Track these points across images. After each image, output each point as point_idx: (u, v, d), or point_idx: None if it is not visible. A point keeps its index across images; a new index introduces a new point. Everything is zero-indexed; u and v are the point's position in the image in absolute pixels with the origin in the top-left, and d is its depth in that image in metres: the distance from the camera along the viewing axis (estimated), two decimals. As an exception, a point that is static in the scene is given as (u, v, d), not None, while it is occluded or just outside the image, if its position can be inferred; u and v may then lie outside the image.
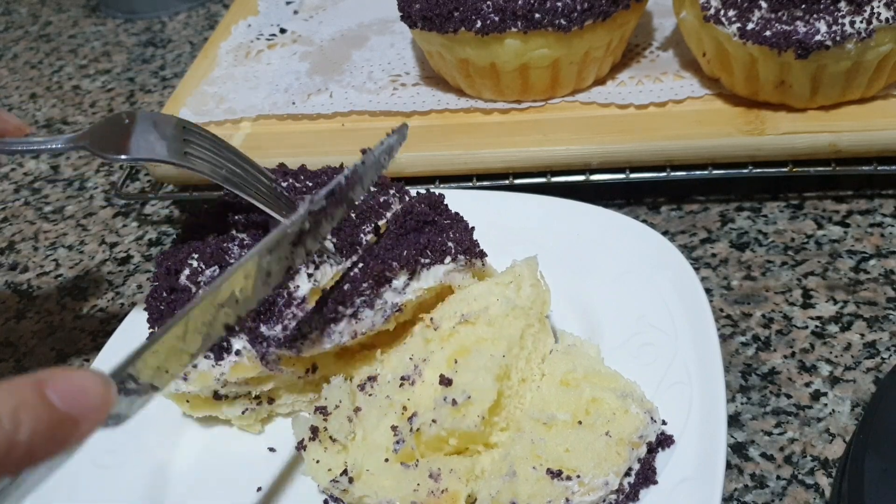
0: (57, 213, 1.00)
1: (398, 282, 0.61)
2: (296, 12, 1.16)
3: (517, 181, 0.85)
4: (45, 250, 0.95)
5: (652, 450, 0.57)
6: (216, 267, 0.63)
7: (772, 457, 0.62)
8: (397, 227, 0.64)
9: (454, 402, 0.56)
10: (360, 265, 0.62)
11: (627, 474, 0.55)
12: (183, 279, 0.63)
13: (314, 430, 0.59)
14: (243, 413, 0.65)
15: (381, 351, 0.63)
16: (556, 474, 0.53)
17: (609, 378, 0.59)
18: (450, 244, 0.63)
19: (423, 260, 0.62)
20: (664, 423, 0.58)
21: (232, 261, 0.63)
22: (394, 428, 0.58)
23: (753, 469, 0.61)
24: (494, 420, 0.58)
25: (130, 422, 0.64)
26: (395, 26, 1.08)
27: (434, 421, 0.56)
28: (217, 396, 0.64)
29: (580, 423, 0.56)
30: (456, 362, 0.59)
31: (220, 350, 0.61)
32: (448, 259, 0.63)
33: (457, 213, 0.68)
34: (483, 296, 0.63)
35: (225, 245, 0.64)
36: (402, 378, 0.60)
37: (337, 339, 0.60)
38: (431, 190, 0.70)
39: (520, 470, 0.54)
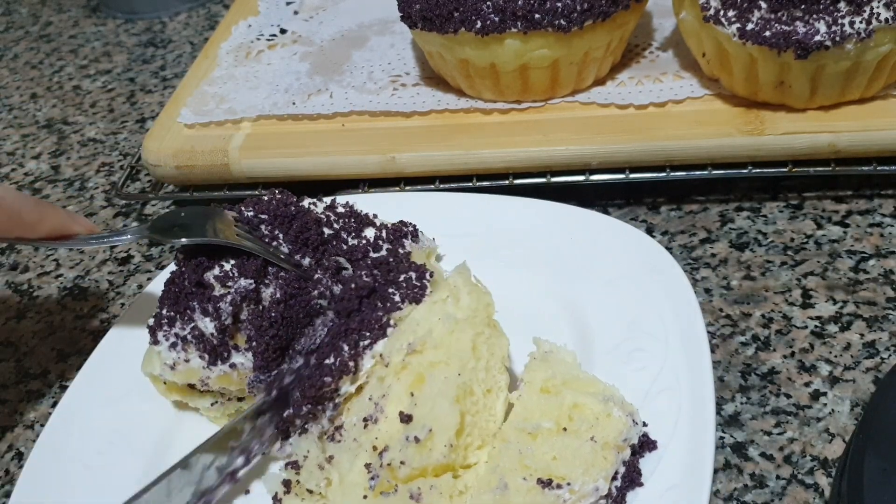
0: (57, 213, 1.00)
1: (343, 389, 0.61)
2: (296, 13, 1.16)
3: (517, 181, 0.86)
4: (45, 250, 0.95)
5: (635, 452, 0.56)
6: (252, 281, 0.63)
7: (771, 456, 0.62)
8: (336, 316, 0.65)
9: (417, 440, 0.55)
10: (296, 382, 0.63)
11: (614, 478, 0.55)
12: (210, 277, 0.63)
13: (287, 484, 0.59)
14: (212, 405, 0.66)
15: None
16: (546, 483, 0.53)
17: (588, 383, 0.59)
18: (384, 318, 0.62)
19: (362, 343, 0.61)
20: (645, 424, 0.58)
21: (268, 279, 0.64)
22: (367, 466, 0.57)
23: (753, 469, 0.61)
24: (467, 441, 0.57)
25: (121, 423, 0.66)
26: (395, 26, 1.08)
27: (402, 462, 0.55)
28: (191, 386, 0.65)
29: (564, 429, 0.56)
30: (412, 395, 0.58)
31: (216, 356, 0.62)
32: (390, 329, 0.62)
33: (397, 252, 0.68)
34: (425, 319, 0.62)
35: (266, 268, 0.65)
36: (365, 419, 0.59)
37: (308, 440, 0.61)
38: (427, 189, 0.70)
39: (510, 482, 0.54)
